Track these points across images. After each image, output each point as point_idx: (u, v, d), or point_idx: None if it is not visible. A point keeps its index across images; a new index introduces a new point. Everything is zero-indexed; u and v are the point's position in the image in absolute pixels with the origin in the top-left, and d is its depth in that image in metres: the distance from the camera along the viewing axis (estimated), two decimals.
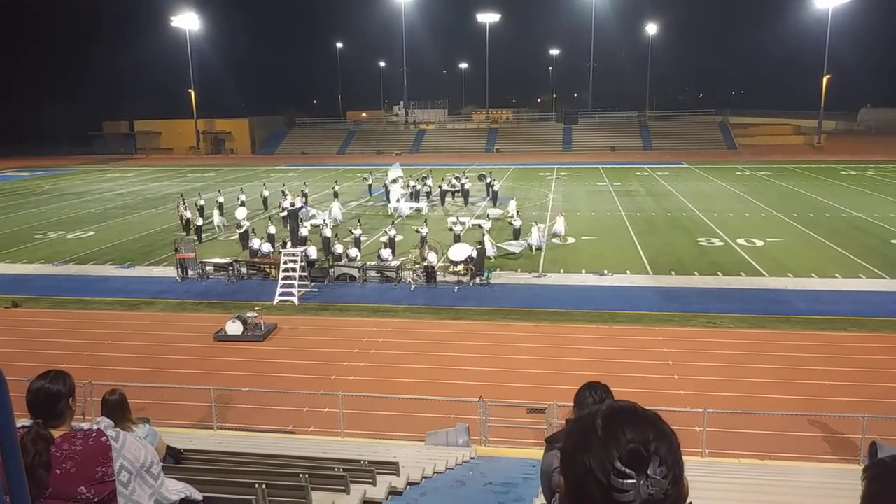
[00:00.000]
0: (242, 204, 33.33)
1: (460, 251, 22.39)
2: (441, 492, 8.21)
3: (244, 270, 23.63)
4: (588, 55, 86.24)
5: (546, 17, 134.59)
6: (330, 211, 32.19)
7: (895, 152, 59.33)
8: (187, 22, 77.16)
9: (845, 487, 8.04)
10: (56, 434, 2.85)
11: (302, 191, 39.07)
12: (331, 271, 22.93)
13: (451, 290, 21.44)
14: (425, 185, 39.69)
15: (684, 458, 1.32)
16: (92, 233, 32.43)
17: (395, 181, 36.51)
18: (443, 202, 38.16)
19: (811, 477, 9.63)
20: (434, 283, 21.94)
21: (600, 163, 59.66)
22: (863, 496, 1.85)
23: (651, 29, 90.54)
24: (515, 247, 25.66)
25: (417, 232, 25.49)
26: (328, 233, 26.06)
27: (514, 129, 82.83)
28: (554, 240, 27.69)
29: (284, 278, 20.99)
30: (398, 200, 35.58)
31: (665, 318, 18.32)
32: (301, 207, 29.23)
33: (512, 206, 30.44)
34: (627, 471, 1.23)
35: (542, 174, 52.75)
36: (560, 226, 28.37)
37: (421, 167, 53.18)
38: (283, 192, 36.10)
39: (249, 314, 17.88)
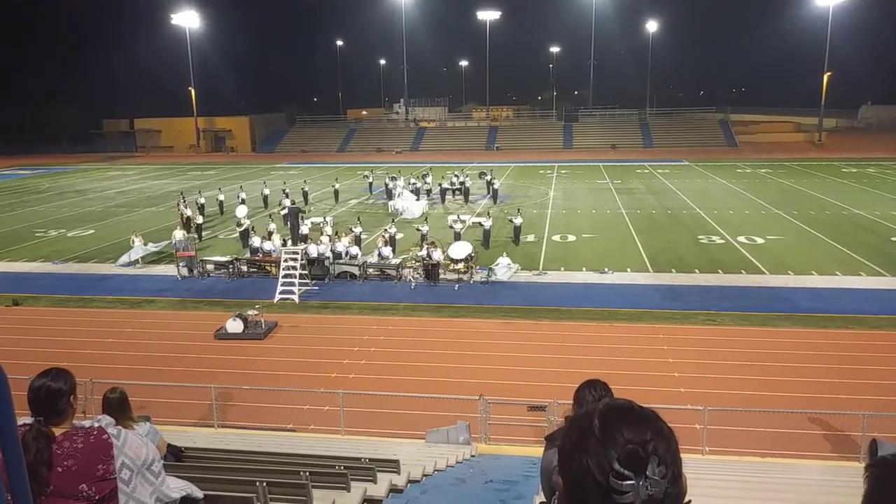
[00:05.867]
0: (243, 202, 33.29)
1: (461, 249, 22.37)
2: (442, 489, 8.21)
3: (244, 269, 23.65)
4: (589, 53, 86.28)
5: (546, 14, 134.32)
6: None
7: None
8: (187, 20, 77.09)
9: (846, 485, 8.05)
10: (57, 432, 2.86)
11: (302, 189, 39.05)
12: (331, 269, 22.93)
13: (451, 287, 21.44)
14: (425, 182, 39.69)
15: (684, 456, 1.31)
16: (92, 231, 32.43)
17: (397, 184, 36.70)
18: (443, 200, 38.15)
19: (812, 474, 9.64)
20: (436, 280, 21.92)
21: (601, 160, 59.61)
22: (865, 494, 1.85)
23: (652, 26, 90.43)
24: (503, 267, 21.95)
25: (418, 230, 25.50)
26: (328, 230, 26.07)
27: (514, 126, 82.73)
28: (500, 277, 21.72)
29: (285, 276, 21.00)
30: (400, 196, 35.66)
31: (665, 316, 18.32)
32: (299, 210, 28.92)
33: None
34: (626, 472, 1.23)
35: (542, 172, 52.71)
36: (503, 267, 21.91)
37: (421, 165, 53.08)
38: (285, 191, 36.09)
39: (250, 312, 17.87)
